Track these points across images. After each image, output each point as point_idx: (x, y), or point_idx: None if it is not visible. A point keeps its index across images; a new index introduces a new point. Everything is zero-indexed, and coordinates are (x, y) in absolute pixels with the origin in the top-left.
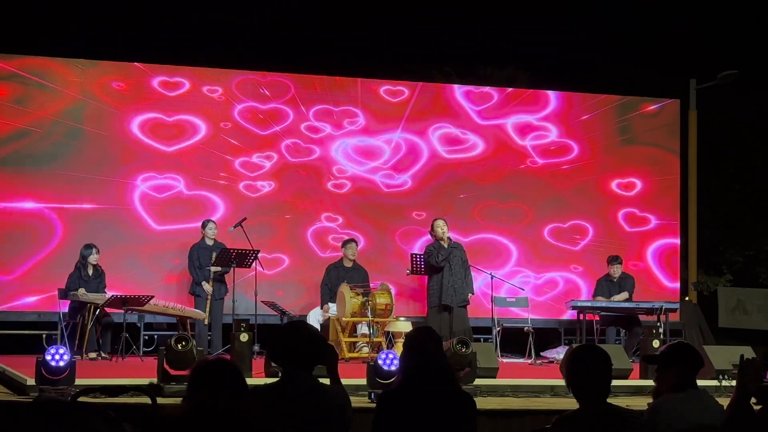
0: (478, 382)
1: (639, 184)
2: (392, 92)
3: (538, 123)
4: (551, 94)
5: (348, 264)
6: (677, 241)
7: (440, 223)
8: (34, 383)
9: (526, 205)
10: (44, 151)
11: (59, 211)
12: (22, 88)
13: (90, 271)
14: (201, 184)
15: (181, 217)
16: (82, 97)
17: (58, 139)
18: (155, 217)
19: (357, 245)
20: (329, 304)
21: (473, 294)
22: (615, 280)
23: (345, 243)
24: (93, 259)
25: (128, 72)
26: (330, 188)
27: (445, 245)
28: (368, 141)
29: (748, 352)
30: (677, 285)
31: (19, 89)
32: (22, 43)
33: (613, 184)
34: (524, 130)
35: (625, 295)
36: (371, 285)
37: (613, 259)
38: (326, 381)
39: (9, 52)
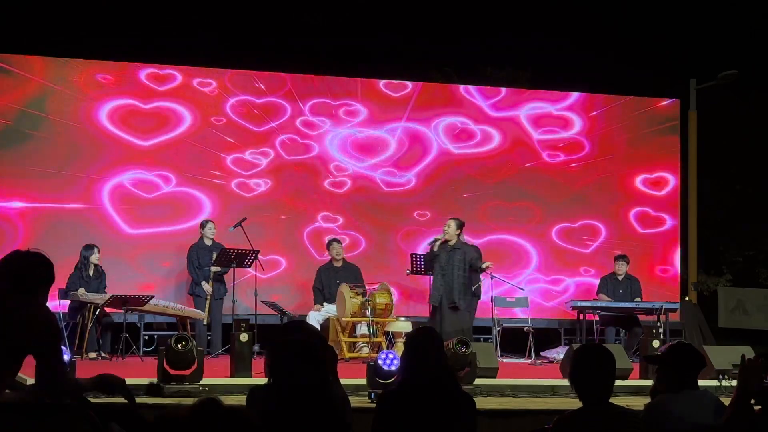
0: (478, 382)
1: (639, 184)
2: (393, 86)
3: (545, 119)
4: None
5: (337, 264)
6: (677, 241)
7: (449, 223)
8: (34, 383)
9: (532, 204)
10: (39, 149)
11: (51, 210)
12: None
13: (91, 272)
14: (189, 182)
15: (169, 216)
16: (53, 86)
17: (57, 138)
18: (142, 215)
19: (341, 244)
20: (324, 303)
21: (479, 298)
22: (620, 278)
23: (329, 244)
24: (94, 258)
25: (114, 66)
26: (328, 187)
27: (436, 247)
28: (369, 137)
29: (748, 353)
30: (677, 285)
31: None
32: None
33: (613, 185)
34: (532, 125)
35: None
36: (368, 285)
37: (620, 257)
38: None
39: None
